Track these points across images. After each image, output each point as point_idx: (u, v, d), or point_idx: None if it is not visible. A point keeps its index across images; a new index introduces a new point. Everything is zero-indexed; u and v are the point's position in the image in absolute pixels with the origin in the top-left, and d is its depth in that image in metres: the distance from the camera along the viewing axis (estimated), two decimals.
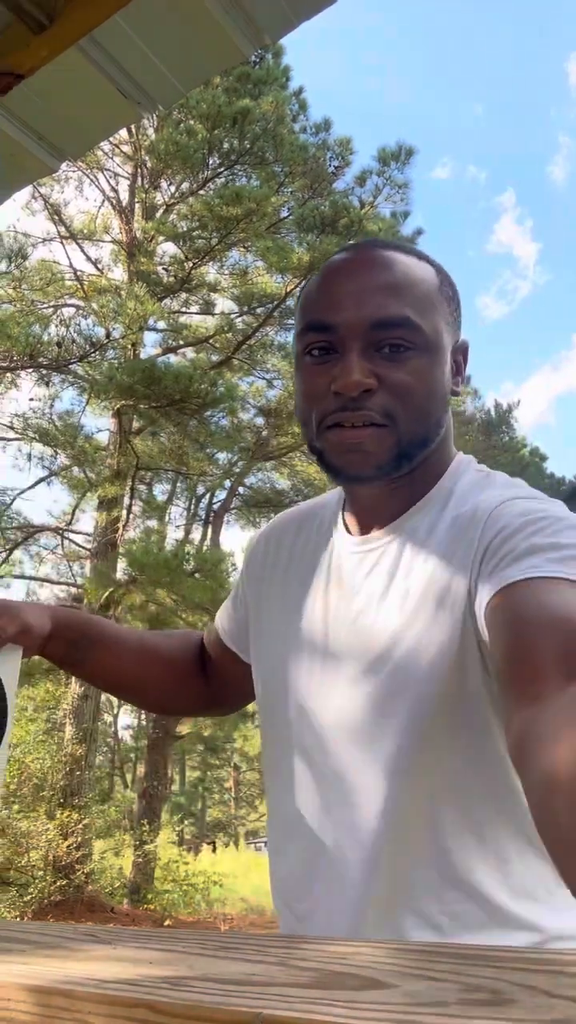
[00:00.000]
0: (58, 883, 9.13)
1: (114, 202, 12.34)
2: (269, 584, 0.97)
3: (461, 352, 0.88)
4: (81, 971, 0.50)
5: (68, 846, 9.29)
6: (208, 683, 1.09)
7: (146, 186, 11.96)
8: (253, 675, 0.97)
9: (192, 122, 10.07)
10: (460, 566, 0.76)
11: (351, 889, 0.79)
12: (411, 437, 0.80)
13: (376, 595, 0.82)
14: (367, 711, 0.79)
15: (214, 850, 18.92)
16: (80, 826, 9.47)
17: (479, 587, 0.72)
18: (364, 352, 0.79)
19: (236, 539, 21.26)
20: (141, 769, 14.85)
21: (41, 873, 9.29)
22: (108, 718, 21.39)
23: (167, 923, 9.27)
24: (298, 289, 11.11)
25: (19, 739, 10.59)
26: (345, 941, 0.58)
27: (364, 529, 0.88)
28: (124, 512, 11.03)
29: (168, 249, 11.84)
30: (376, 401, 0.79)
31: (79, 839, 9.40)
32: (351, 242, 0.87)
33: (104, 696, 11.40)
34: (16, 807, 9.48)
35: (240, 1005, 0.39)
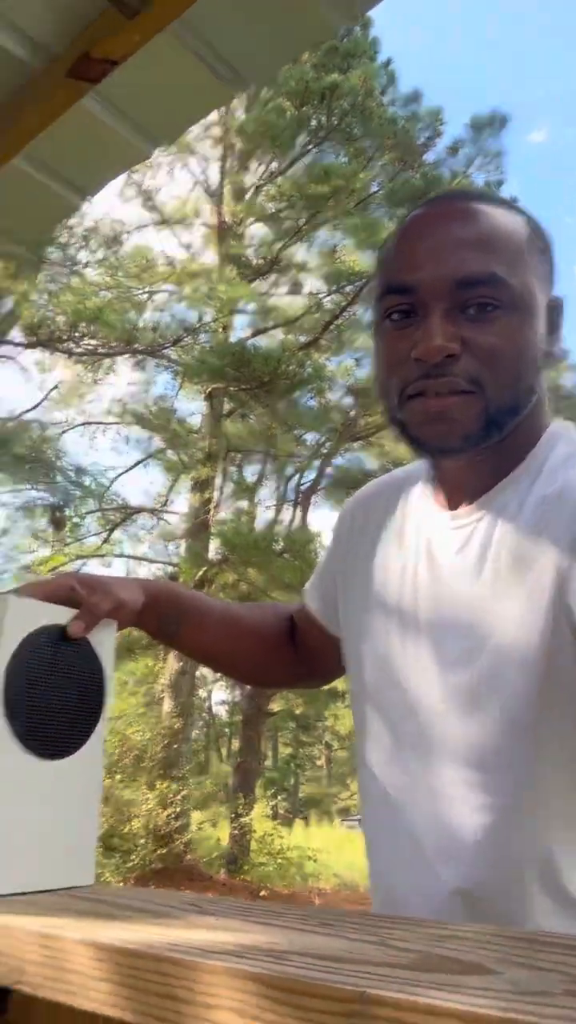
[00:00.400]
0: (158, 851, 9.50)
1: (204, 186, 12.46)
2: (355, 558, 0.94)
3: (556, 309, 0.81)
4: (186, 940, 0.51)
5: (167, 816, 9.64)
6: (298, 656, 1.08)
7: (235, 168, 12.01)
8: (343, 648, 0.95)
9: (281, 100, 10.01)
10: (548, 551, 0.72)
11: (439, 883, 0.78)
12: (500, 404, 0.75)
13: (467, 575, 0.79)
14: (459, 701, 0.77)
15: (307, 824, 19.21)
16: (178, 797, 9.82)
17: (571, 578, 0.70)
18: (448, 313, 0.74)
19: (325, 520, 21.20)
20: (236, 744, 15.20)
21: (143, 841, 9.69)
22: (203, 693, 21.97)
23: (263, 894, 9.50)
24: None
25: (120, 712, 11.03)
26: (446, 925, 0.58)
27: (453, 504, 0.84)
28: (216, 493, 11.23)
29: (257, 232, 11.89)
30: (461, 366, 0.73)
31: (177, 809, 9.74)
32: (431, 195, 0.86)
33: (199, 671, 11.70)
34: (118, 777, 9.90)
35: (343, 983, 0.39)
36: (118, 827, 9.68)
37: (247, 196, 11.80)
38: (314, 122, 10.13)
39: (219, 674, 1.08)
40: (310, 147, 10.60)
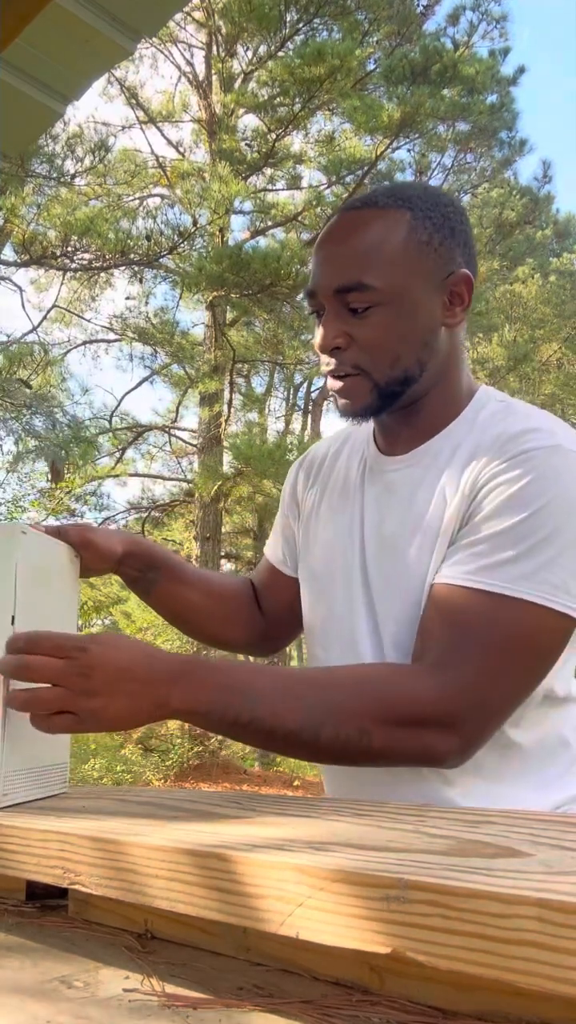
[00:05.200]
0: (194, 749, 9.97)
1: (191, 77, 11.75)
2: (309, 506, 1.09)
3: (459, 283, 0.93)
4: (231, 836, 0.54)
5: None
6: (263, 618, 1.19)
7: (222, 55, 11.28)
8: (301, 586, 1.08)
9: None
10: (460, 492, 0.89)
11: None
12: (388, 379, 0.92)
13: (396, 511, 0.95)
14: (370, 610, 0.95)
15: None
16: None
17: (453, 545, 0.87)
18: (337, 314, 0.92)
19: (336, 426, 21.07)
20: None
21: (179, 741, 10.17)
22: None
23: (296, 783, 10.01)
24: (389, 151, 10.38)
25: (149, 623, 11.36)
26: (476, 811, 0.61)
27: (391, 449, 1.00)
28: (225, 407, 11.12)
29: (250, 123, 11.27)
30: (348, 356, 0.92)
31: None
32: (347, 201, 1.00)
33: None
34: None
35: (382, 870, 0.41)
36: (156, 728, 10.15)
37: (236, 85, 11.13)
38: None
39: (184, 634, 1.20)
40: (300, 25, 9.88)
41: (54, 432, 10.52)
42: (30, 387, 10.25)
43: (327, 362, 0.94)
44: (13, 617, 0.78)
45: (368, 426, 1.06)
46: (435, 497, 0.91)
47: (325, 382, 0.99)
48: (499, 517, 0.84)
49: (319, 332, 0.93)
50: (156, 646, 0.83)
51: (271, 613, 1.18)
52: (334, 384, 0.94)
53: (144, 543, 1.11)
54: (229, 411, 11.36)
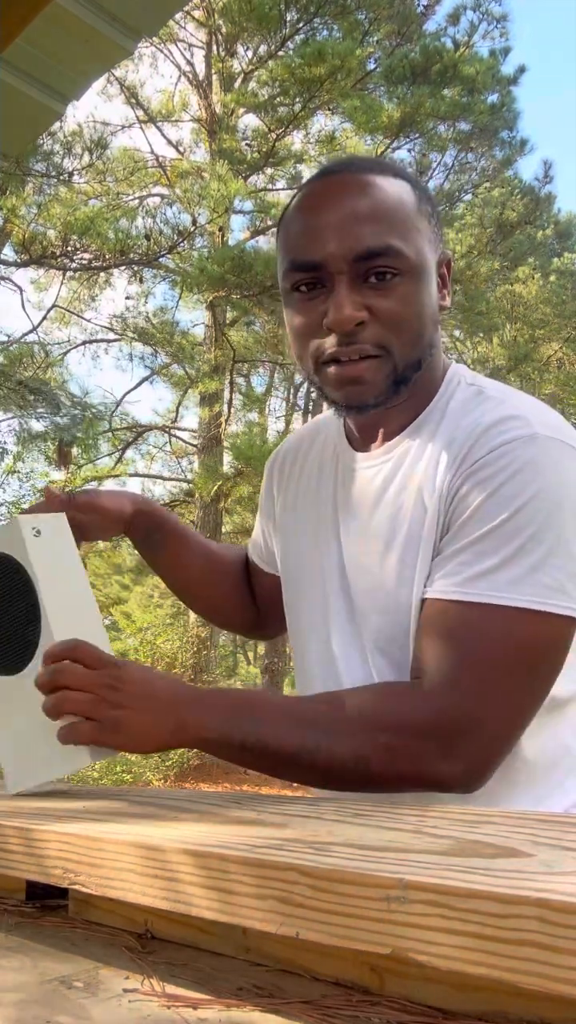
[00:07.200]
0: (195, 749, 9.99)
1: (190, 76, 11.74)
2: (282, 506, 1.04)
3: (445, 265, 0.89)
4: (231, 835, 0.54)
5: None
6: (256, 603, 1.16)
7: (222, 54, 11.27)
8: (282, 580, 1.03)
9: None
10: (437, 493, 0.82)
11: None
12: (406, 362, 0.84)
13: (367, 511, 0.89)
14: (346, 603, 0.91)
15: None
16: None
17: (438, 552, 0.82)
18: (352, 284, 0.81)
19: None
20: (261, 648, 15.67)
21: None
22: None
23: (295, 784, 10.01)
24: (389, 151, 10.37)
25: (148, 623, 11.37)
26: (476, 811, 0.61)
27: (364, 445, 0.93)
28: (225, 407, 11.12)
29: (250, 122, 11.26)
30: (369, 333, 0.81)
31: None
32: (324, 165, 0.89)
33: None
34: None
35: (382, 871, 0.41)
36: None
37: (236, 84, 11.12)
38: None
39: (184, 604, 1.24)
40: (300, 24, 9.88)
41: (59, 415, 10.52)
42: (31, 388, 10.24)
43: (339, 342, 0.82)
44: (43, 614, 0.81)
45: (336, 418, 0.98)
46: (412, 499, 0.85)
47: (318, 373, 0.86)
48: (480, 520, 0.78)
49: (336, 303, 0.80)
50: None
51: (260, 601, 1.15)
52: (349, 371, 0.83)
53: (152, 504, 1.08)
54: (229, 411, 11.36)
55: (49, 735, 0.79)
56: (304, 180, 0.90)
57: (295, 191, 0.89)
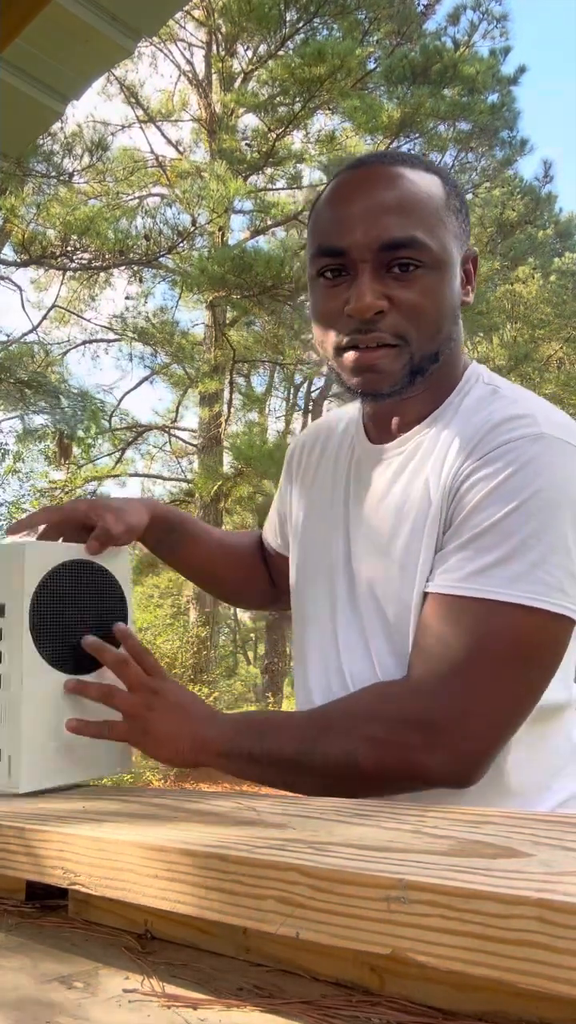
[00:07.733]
0: None
1: (190, 76, 11.74)
2: (300, 492, 1.06)
3: (470, 262, 0.90)
4: (232, 836, 0.54)
5: None
6: (272, 582, 1.20)
7: (222, 54, 11.27)
8: (290, 565, 1.06)
9: None
10: (442, 488, 0.83)
11: None
12: (423, 354, 0.85)
13: (380, 500, 0.90)
14: (353, 593, 0.92)
15: None
16: (210, 699, 10.22)
17: (441, 547, 0.82)
18: (375, 273, 0.82)
19: None
20: (261, 648, 15.65)
21: None
22: None
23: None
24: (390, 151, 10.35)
25: (148, 623, 11.36)
26: (476, 811, 0.61)
27: (380, 438, 0.94)
28: (225, 407, 11.12)
29: (250, 122, 11.25)
30: (388, 322, 0.83)
31: None
32: (358, 157, 0.92)
33: None
34: None
35: (382, 871, 0.41)
36: None
37: (236, 84, 11.12)
38: None
39: (202, 589, 1.34)
40: (300, 24, 9.87)
41: (59, 407, 10.52)
42: (30, 384, 10.24)
43: (358, 329, 0.83)
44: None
45: (356, 410, 1.00)
46: (419, 493, 0.86)
47: (337, 358, 0.87)
48: (482, 515, 0.78)
49: (358, 291, 0.82)
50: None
51: (278, 580, 1.18)
52: (366, 358, 0.84)
53: (163, 506, 1.10)
54: (229, 411, 11.36)
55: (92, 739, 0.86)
56: (337, 171, 0.91)
57: (328, 181, 0.91)
